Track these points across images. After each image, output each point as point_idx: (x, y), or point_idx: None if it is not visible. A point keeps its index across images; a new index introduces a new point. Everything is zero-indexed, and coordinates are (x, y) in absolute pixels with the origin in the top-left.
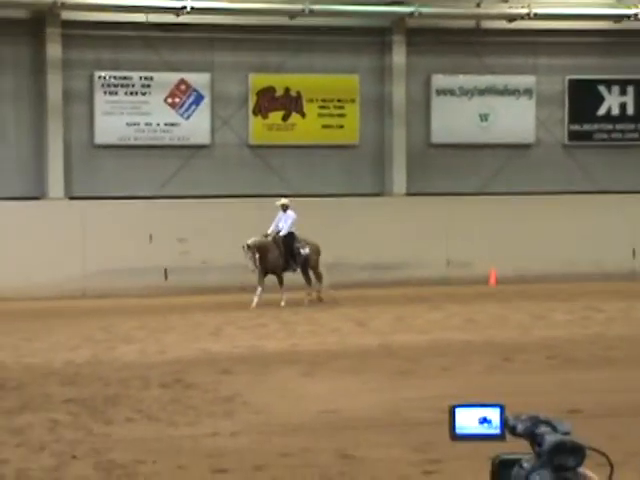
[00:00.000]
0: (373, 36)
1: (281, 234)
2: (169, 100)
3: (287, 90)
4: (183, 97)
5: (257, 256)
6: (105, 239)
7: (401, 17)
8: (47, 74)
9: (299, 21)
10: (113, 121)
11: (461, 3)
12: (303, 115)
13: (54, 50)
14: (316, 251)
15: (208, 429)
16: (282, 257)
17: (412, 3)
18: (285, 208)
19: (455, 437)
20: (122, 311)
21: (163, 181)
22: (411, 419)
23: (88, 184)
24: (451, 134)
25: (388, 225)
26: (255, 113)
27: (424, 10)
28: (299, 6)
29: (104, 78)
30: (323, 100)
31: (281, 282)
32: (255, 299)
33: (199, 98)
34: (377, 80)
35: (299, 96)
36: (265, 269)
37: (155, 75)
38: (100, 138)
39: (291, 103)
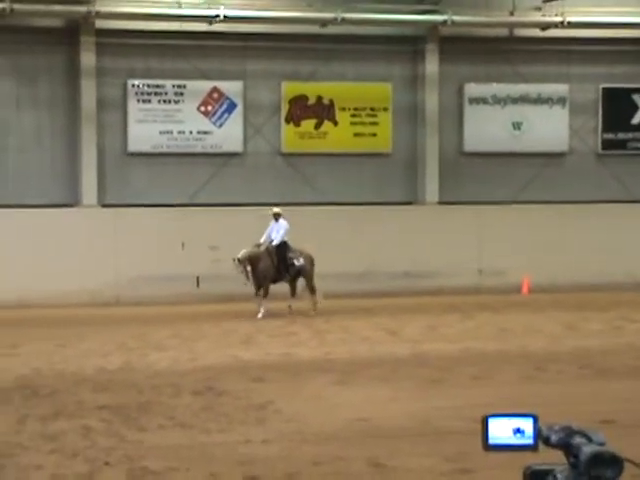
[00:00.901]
0: (406, 44)
1: (274, 244)
2: (202, 108)
3: (319, 98)
4: (216, 105)
5: (249, 268)
6: (138, 247)
7: (434, 25)
8: (81, 82)
9: (331, 29)
10: (146, 129)
11: (494, 11)
12: (335, 123)
13: (88, 58)
14: (310, 262)
15: (240, 437)
16: (274, 267)
17: (445, 11)
18: (277, 217)
19: (488, 447)
20: (154, 319)
21: (195, 189)
22: (443, 428)
23: (121, 192)
24: (484, 143)
25: (420, 234)
26: (287, 121)
27: (457, 18)
28: (331, 14)
29: (137, 86)
30: (355, 108)
31: (266, 293)
32: (261, 310)
33: (232, 106)
34: (410, 88)
35: (331, 104)
36: (257, 280)
37: (188, 83)
38: (133, 146)
39: (323, 111)
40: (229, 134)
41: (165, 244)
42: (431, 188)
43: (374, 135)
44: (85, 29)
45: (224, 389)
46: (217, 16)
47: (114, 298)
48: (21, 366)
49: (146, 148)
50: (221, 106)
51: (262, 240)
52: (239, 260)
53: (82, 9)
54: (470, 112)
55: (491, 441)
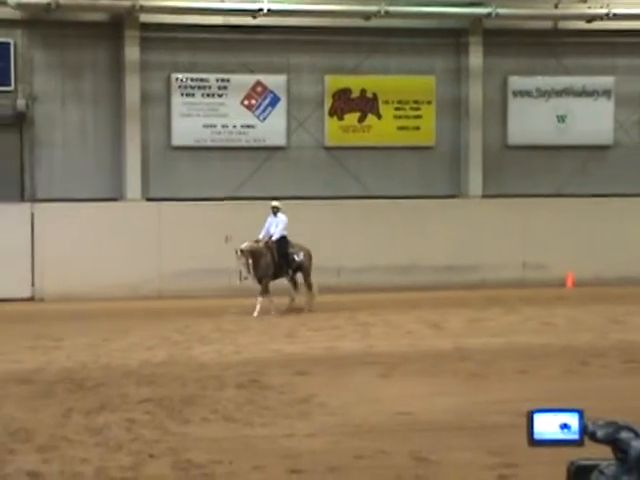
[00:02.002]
0: (450, 37)
1: (273, 239)
2: (245, 102)
3: (363, 91)
4: (259, 99)
5: (250, 261)
6: (181, 240)
7: (478, 18)
8: (125, 76)
9: (375, 22)
10: (190, 123)
11: (539, 4)
12: (379, 116)
13: (132, 53)
14: (309, 257)
15: (284, 430)
16: (274, 263)
17: (489, 4)
18: (276, 211)
19: (533, 443)
20: (198, 312)
21: (239, 183)
22: (486, 422)
23: (165, 185)
24: (528, 136)
25: (464, 227)
26: (331, 115)
27: (501, 11)
28: (375, 7)
29: (181, 80)
30: (399, 101)
31: (266, 290)
32: (258, 306)
33: (275, 100)
34: (453, 81)
35: (375, 97)
36: (257, 275)
37: (231, 77)
38: (177, 140)
39: (367, 104)
40: (272, 128)
41: (209, 237)
42: (475, 181)
43: (418, 128)
44: (129, 23)
45: (268, 382)
46: (261, 10)
47: (157, 291)
48: (66, 359)
49: (190, 142)
50: (265, 100)
51: (261, 236)
52: (242, 251)
53: (126, 3)
54: (514, 105)
55: (536, 436)
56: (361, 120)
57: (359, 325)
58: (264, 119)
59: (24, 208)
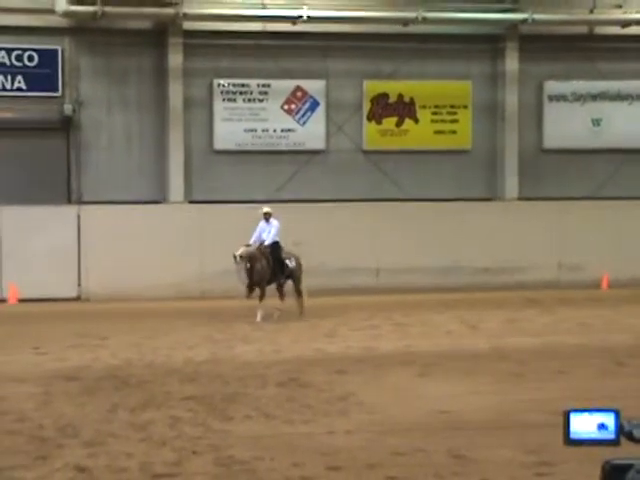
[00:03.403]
0: (486, 43)
1: (266, 244)
2: (285, 107)
3: (400, 96)
4: (299, 104)
5: (248, 266)
6: (222, 241)
7: (514, 24)
8: (169, 82)
9: (412, 28)
10: (231, 127)
11: (574, 9)
12: (416, 121)
13: (176, 59)
14: (299, 264)
15: (323, 427)
16: (269, 268)
17: (525, 10)
18: (268, 217)
19: (570, 442)
20: (239, 312)
21: (279, 185)
22: (523, 421)
23: (207, 188)
24: (563, 139)
25: (500, 229)
26: (369, 119)
27: (537, 17)
28: (412, 14)
29: (223, 85)
30: (436, 106)
31: (263, 296)
32: (259, 312)
33: (314, 104)
34: (490, 86)
35: (412, 102)
36: (254, 280)
37: (272, 82)
38: (219, 144)
39: (404, 109)
40: (312, 132)
41: (249, 239)
42: (511, 184)
43: (454, 132)
44: (173, 31)
45: (308, 381)
46: (300, 16)
47: (200, 291)
48: (111, 357)
49: (231, 146)
50: (304, 104)
51: (252, 241)
52: (241, 257)
53: (170, 11)
54: (550, 109)
55: (573, 436)
56: (399, 124)
57: (397, 325)
58: (304, 123)
59: (71, 210)
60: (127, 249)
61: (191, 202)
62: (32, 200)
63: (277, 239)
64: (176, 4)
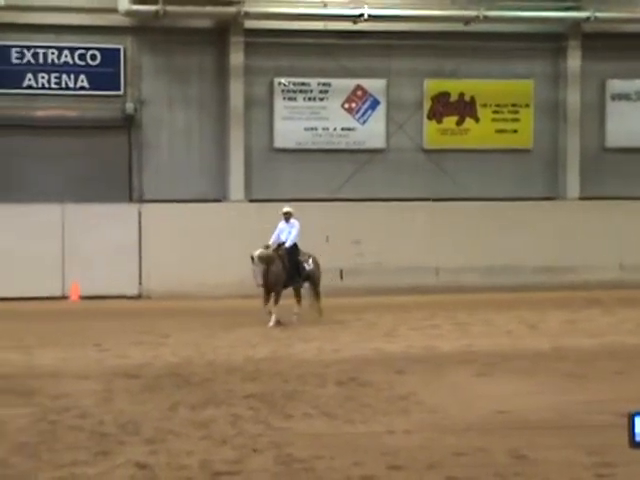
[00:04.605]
0: (548, 41)
1: (286, 246)
2: (346, 105)
3: (461, 95)
4: (359, 102)
5: (265, 268)
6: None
7: (577, 22)
8: (230, 81)
9: (474, 27)
10: (292, 126)
11: (637, 7)
12: (477, 120)
13: (237, 58)
14: (318, 266)
15: (383, 427)
16: (285, 271)
17: (588, 8)
18: (288, 217)
19: (635, 444)
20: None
21: (339, 184)
22: (584, 422)
23: (267, 187)
24: (626, 138)
25: (561, 229)
26: (430, 118)
27: (600, 15)
28: (474, 12)
29: (284, 84)
30: (497, 105)
31: (278, 300)
32: (273, 317)
33: (375, 103)
34: (551, 85)
35: (473, 101)
36: (269, 282)
37: (332, 81)
38: (279, 142)
39: (465, 108)
40: (372, 131)
41: (310, 237)
42: (572, 184)
43: (515, 131)
44: (234, 29)
45: (367, 380)
46: (361, 15)
47: (259, 290)
48: (172, 355)
49: (291, 144)
50: (365, 103)
51: (271, 242)
52: (259, 258)
53: (232, 10)
54: (612, 108)
55: (638, 438)
56: (459, 123)
57: (457, 324)
58: (364, 122)
59: (132, 208)
60: (187, 247)
61: (251, 200)
62: (94, 198)
63: (296, 241)
64: (238, 3)
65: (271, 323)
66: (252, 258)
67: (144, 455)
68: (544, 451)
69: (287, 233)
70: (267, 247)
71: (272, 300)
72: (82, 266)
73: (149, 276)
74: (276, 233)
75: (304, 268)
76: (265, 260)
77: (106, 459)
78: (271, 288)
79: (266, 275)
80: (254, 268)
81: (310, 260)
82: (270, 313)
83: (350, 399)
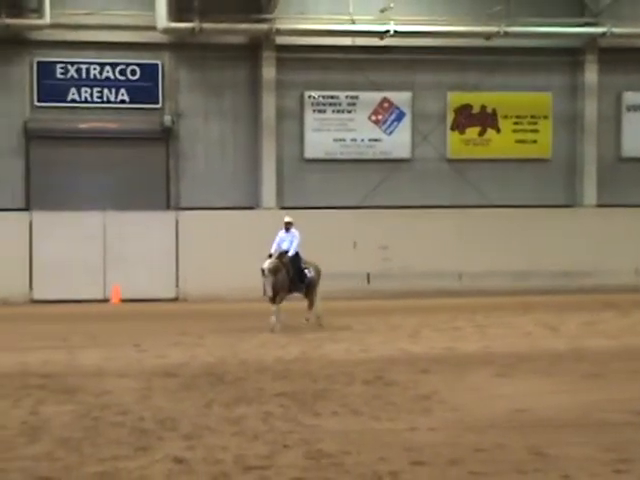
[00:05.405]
0: (566, 56)
1: (290, 254)
2: (373, 117)
3: (483, 107)
4: (386, 114)
5: (273, 279)
6: (313, 246)
7: (593, 37)
8: (262, 94)
9: (495, 42)
10: (321, 137)
11: None
12: (498, 131)
13: (269, 72)
14: (318, 274)
15: (407, 424)
16: (289, 279)
17: (604, 24)
18: (288, 227)
19: None
20: (328, 312)
21: (366, 193)
22: (602, 420)
23: (298, 195)
24: None
25: (579, 235)
26: (453, 129)
27: (616, 30)
28: (495, 28)
29: (313, 97)
30: (517, 116)
31: (280, 301)
32: (277, 325)
33: (401, 115)
34: (569, 97)
35: (494, 113)
36: (275, 290)
37: (360, 94)
38: (309, 153)
39: (487, 119)
40: (398, 141)
41: (338, 243)
42: (589, 192)
43: (535, 142)
44: (266, 45)
45: (393, 379)
46: (388, 31)
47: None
48: (207, 355)
49: (321, 155)
50: (391, 115)
51: (272, 250)
52: (269, 270)
53: (264, 27)
54: (628, 119)
55: None
56: (481, 134)
57: (478, 326)
58: (390, 133)
59: (169, 216)
60: (222, 252)
61: (282, 208)
62: (134, 206)
63: (298, 250)
64: (270, 20)
65: (275, 327)
66: (263, 271)
67: (181, 450)
68: (563, 448)
69: (288, 242)
70: (270, 256)
71: (276, 304)
72: (123, 271)
73: (186, 280)
74: (277, 242)
75: (306, 275)
76: (273, 271)
77: (146, 454)
78: (276, 295)
79: (274, 283)
80: (264, 280)
81: (311, 268)
82: (275, 313)
83: (376, 397)
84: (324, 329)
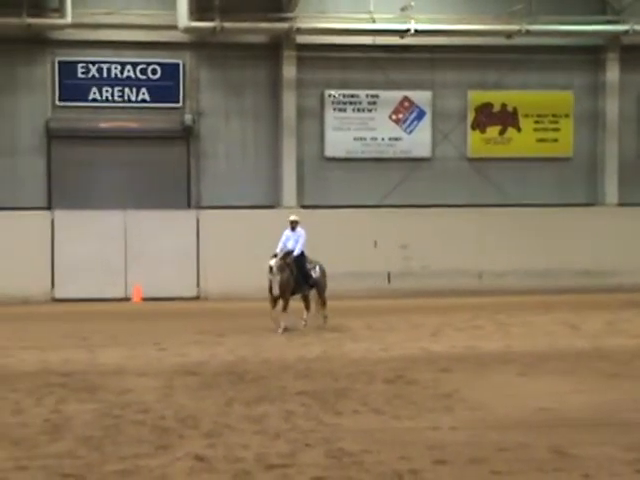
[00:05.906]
0: (587, 54)
1: (295, 254)
2: (393, 116)
3: (504, 106)
4: (406, 113)
5: (278, 278)
6: (334, 244)
7: (615, 35)
8: (283, 93)
9: (516, 41)
10: (342, 136)
11: None
12: (519, 129)
13: (289, 71)
14: (324, 273)
15: (429, 423)
16: (293, 279)
17: (627, 22)
18: (294, 226)
19: None
20: (348, 312)
21: (387, 191)
22: (624, 419)
23: (318, 194)
24: None
25: (600, 234)
26: (473, 128)
27: (638, 28)
28: (516, 27)
29: (334, 96)
30: (538, 115)
31: (286, 306)
32: (282, 324)
33: (421, 114)
34: (591, 96)
35: (515, 111)
36: (279, 290)
37: (380, 93)
38: (330, 152)
39: (507, 118)
40: (418, 140)
41: (359, 242)
42: (611, 190)
43: (556, 140)
44: (287, 44)
45: (414, 378)
46: (408, 30)
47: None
48: (228, 353)
49: (341, 154)
50: (411, 114)
51: (278, 249)
52: (277, 268)
53: (285, 26)
54: None
55: None
56: (502, 133)
57: (499, 325)
58: (410, 132)
59: (191, 214)
60: (243, 251)
61: (303, 207)
62: (155, 205)
63: (303, 249)
64: (290, 19)
65: (280, 330)
66: (271, 268)
67: (202, 448)
68: (584, 447)
69: (294, 241)
70: (275, 255)
71: (281, 307)
72: (144, 269)
73: (206, 279)
74: (282, 241)
75: (311, 276)
76: (280, 269)
77: (167, 452)
78: (280, 295)
79: (280, 284)
80: (271, 278)
81: (317, 268)
82: (276, 319)
83: (397, 396)
84: (345, 328)
